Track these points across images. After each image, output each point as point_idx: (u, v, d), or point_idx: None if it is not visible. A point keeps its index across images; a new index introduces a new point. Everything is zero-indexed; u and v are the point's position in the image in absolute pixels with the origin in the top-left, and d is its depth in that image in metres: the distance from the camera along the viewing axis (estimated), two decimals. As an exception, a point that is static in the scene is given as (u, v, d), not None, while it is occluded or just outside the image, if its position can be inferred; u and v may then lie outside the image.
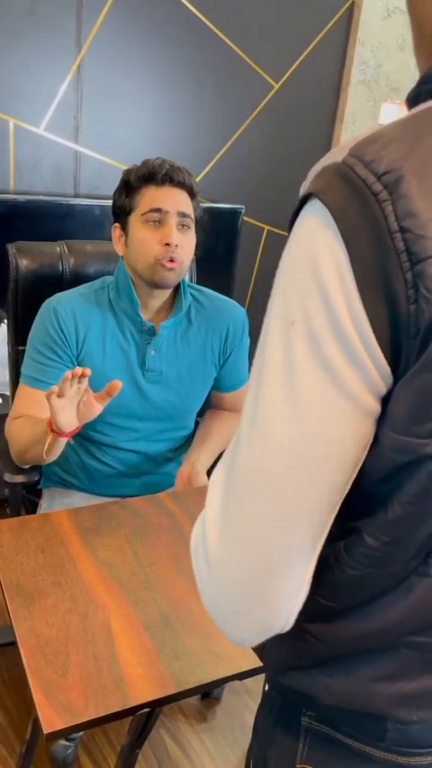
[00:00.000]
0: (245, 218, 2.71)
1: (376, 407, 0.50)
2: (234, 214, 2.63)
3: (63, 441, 1.25)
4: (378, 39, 2.87)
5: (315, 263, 0.48)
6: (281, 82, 2.76)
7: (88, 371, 1.14)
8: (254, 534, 0.54)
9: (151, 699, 0.91)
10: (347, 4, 2.79)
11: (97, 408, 1.22)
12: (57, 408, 1.15)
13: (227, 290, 1.63)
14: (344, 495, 0.54)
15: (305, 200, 0.51)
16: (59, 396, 1.14)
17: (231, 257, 2.68)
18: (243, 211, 2.64)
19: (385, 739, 0.65)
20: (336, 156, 0.50)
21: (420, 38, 0.57)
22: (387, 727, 0.64)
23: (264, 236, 2.97)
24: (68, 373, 1.13)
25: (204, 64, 2.57)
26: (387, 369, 0.48)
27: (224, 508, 0.56)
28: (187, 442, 1.63)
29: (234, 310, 1.55)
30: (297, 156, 2.88)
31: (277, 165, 2.87)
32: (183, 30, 2.48)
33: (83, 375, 1.14)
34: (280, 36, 2.68)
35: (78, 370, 1.13)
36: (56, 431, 1.20)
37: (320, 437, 0.50)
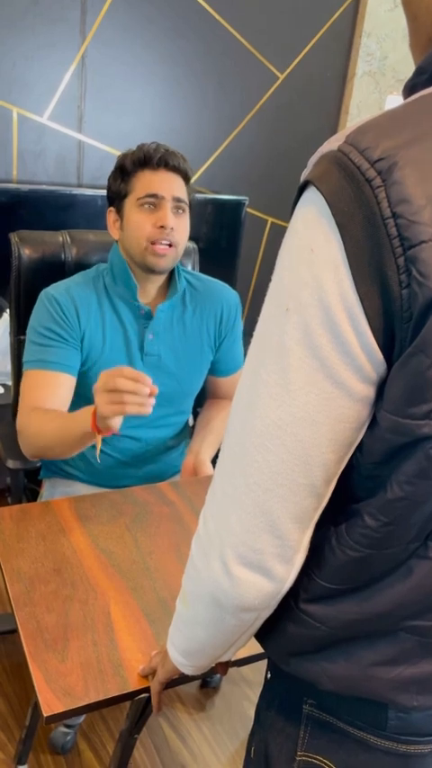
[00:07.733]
0: (248, 209, 2.71)
1: (368, 393, 0.51)
2: (237, 205, 2.62)
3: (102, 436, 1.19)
4: (384, 30, 2.85)
5: (311, 252, 0.50)
6: (286, 73, 2.75)
7: (155, 390, 1.08)
8: (253, 501, 0.56)
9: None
10: (353, -5, 2.78)
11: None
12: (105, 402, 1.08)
13: (230, 282, 1.63)
14: (340, 469, 0.55)
15: (303, 187, 0.52)
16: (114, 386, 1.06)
17: (235, 249, 2.67)
18: (246, 203, 2.63)
19: (386, 727, 0.65)
20: (333, 143, 0.50)
21: (416, 32, 0.59)
22: (388, 716, 0.64)
23: (267, 228, 2.97)
24: (147, 379, 1.07)
25: (209, 54, 2.56)
26: (379, 356, 0.50)
27: (225, 479, 0.59)
28: (186, 430, 1.64)
29: (227, 293, 1.56)
30: (301, 148, 2.87)
31: (281, 157, 2.86)
32: (187, 19, 2.47)
33: (151, 393, 1.07)
34: (285, 26, 2.67)
35: (152, 387, 1.07)
36: (101, 429, 1.15)
37: (309, 419, 0.52)
